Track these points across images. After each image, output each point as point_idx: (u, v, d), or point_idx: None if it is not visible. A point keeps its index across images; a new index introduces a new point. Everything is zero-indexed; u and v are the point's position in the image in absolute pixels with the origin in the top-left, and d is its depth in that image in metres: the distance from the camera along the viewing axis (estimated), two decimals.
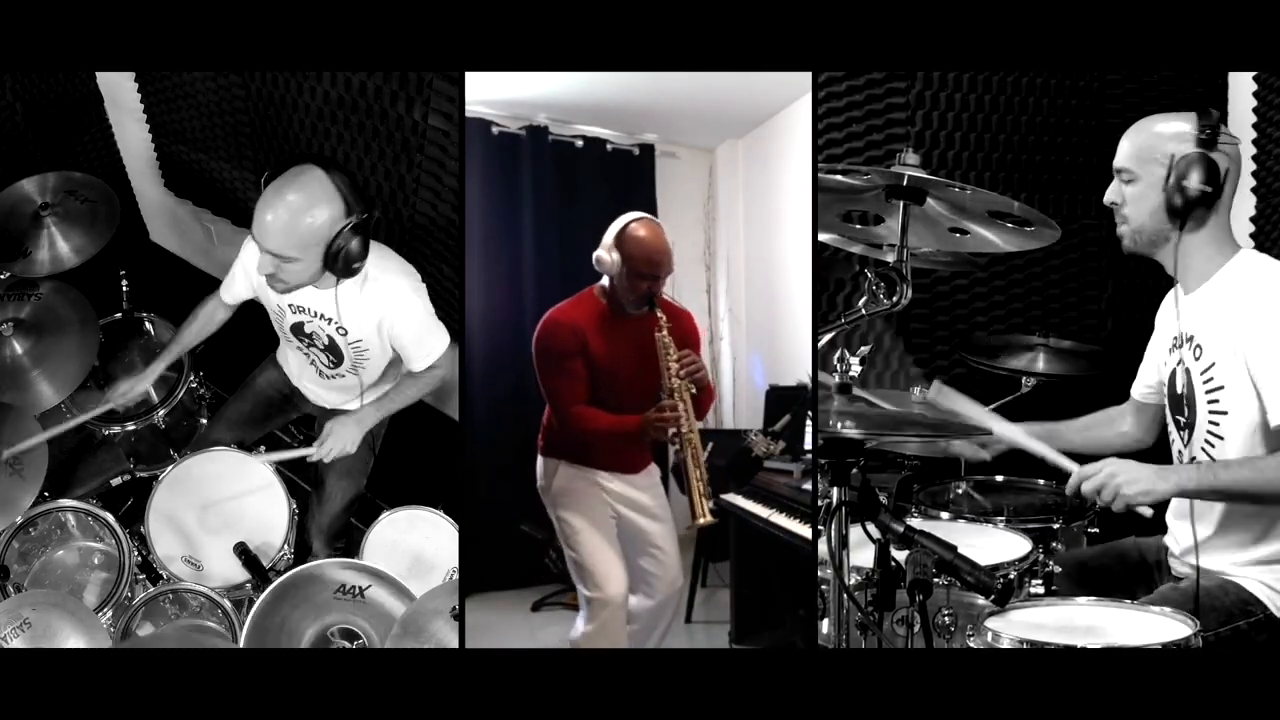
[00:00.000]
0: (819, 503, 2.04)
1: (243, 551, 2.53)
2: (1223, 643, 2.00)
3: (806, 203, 3.43)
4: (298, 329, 2.70)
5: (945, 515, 2.66)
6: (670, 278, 2.76)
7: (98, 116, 3.85)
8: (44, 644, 2.31)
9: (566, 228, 4.43)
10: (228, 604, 2.54)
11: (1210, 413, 2.06)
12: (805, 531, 2.95)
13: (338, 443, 2.64)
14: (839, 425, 1.82)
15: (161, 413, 3.05)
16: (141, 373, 2.87)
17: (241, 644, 2.30)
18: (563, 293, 2.85)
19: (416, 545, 2.71)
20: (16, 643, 2.30)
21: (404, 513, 2.74)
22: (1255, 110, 2.89)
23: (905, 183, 1.94)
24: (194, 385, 3.14)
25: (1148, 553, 2.29)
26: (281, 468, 2.77)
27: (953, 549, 1.76)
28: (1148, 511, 2.00)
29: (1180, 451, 2.17)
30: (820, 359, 1.99)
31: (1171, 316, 2.17)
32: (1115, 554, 2.34)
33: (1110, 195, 2.13)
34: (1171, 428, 2.20)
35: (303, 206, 2.36)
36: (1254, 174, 2.86)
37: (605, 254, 2.69)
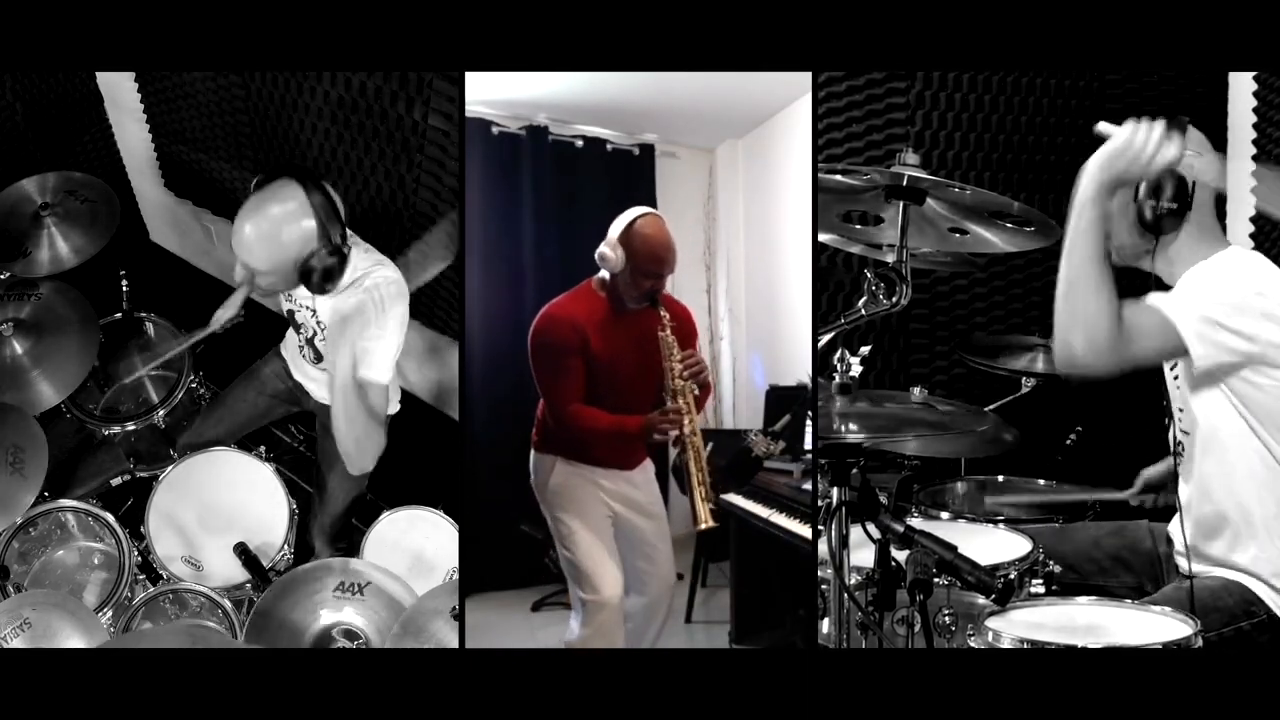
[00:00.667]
0: (819, 503, 2.04)
1: (243, 551, 2.53)
2: (1225, 643, 2.00)
3: (806, 203, 3.43)
4: (290, 316, 2.70)
5: (945, 515, 2.66)
6: (669, 276, 2.75)
7: (98, 116, 3.85)
8: (44, 644, 2.31)
9: (566, 228, 4.43)
10: (228, 604, 2.54)
11: (1175, 389, 2.09)
12: (805, 531, 2.94)
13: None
14: (842, 428, 1.82)
15: (161, 413, 3.05)
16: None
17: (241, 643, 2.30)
18: (563, 293, 2.83)
19: (416, 545, 2.71)
20: (16, 643, 2.30)
21: (404, 513, 2.74)
22: (1255, 110, 2.89)
23: (905, 183, 1.94)
24: (194, 385, 3.14)
25: (1159, 541, 2.29)
26: (282, 468, 2.77)
27: (953, 549, 1.76)
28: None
29: (1176, 445, 2.18)
30: (820, 359, 1.99)
31: None
32: (1129, 540, 2.33)
33: None
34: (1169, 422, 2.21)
35: (274, 228, 2.35)
36: (1254, 174, 2.86)
37: (609, 250, 2.64)
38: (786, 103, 4.27)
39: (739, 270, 4.86)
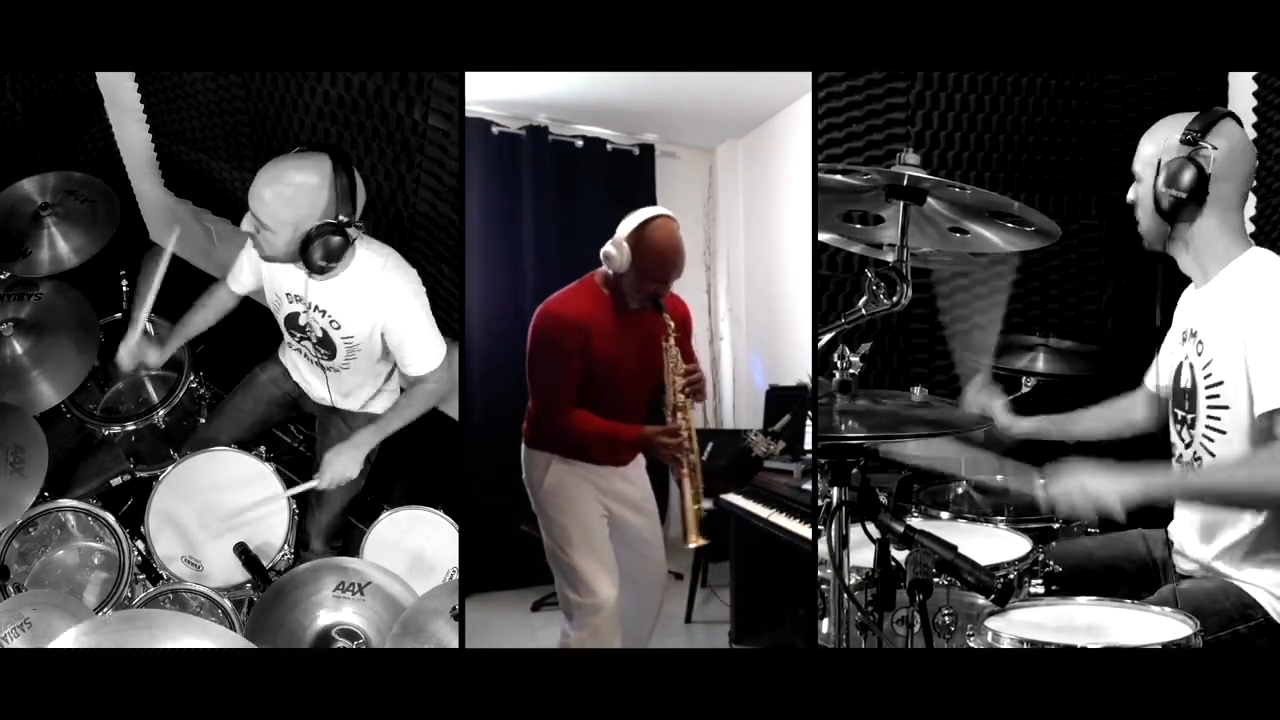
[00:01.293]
0: (819, 503, 2.04)
1: (243, 551, 2.53)
2: (1222, 646, 2.00)
3: (806, 203, 3.43)
4: (292, 320, 2.70)
5: (945, 515, 2.66)
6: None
7: (98, 116, 3.85)
8: (44, 644, 2.30)
9: (566, 228, 4.43)
10: (228, 604, 2.54)
11: (1209, 407, 2.07)
12: (805, 531, 2.94)
13: (338, 471, 2.64)
14: (842, 426, 1.81)
15: (161, 413, 3.05)
16: (156, 344, 2.89)
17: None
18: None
19: (416, 545, 2.71)
20: (16, 643, 2.29)
21: (404, 513, 2.74)
22: (1255, 110, 2.89)
23: (905, 182, 1.94)
24: (194, 385, 3.14)
25: (1155, 547, 2.29)
26: (282, 468, 2.78)
27: (953, 549, 1.76)
28: (1121, 517, 2.01)
29: (1182, 446, 2.17)
30: (820, 359, 1.99)
31: (1181, 310, 2.21)
32: (1123, 548, 2.33)
33: (1130, 195, 2.18)
34: (1173, 422, 2.20)
35: (296, 184, 2.43)
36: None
37: (614, 250, 2.53)
38: (786, 103, 4.27)
39: (739, 270, 4.87)
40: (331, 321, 2.63)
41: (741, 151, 4.85)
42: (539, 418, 2.72)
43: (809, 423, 3.46)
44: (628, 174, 4.59)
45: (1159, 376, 2.31)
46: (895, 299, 1.91)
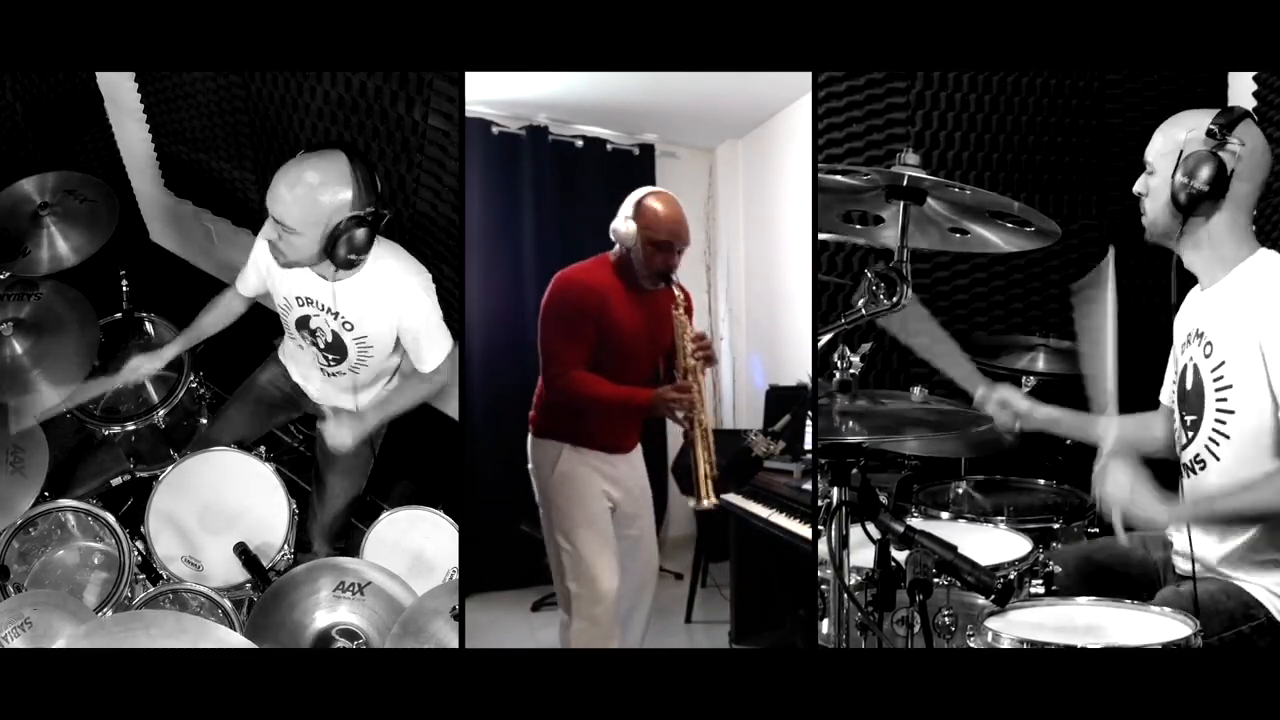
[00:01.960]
0: (819, 503, 2.04)
1: (243, 551, 2.53)
2: (1225, 646, 1.99)
3: (806, 203, 3.43)
4: (303, 322, 2.70)
5: (945, 515, 2.66)
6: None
7: (98, 116, 3.85)
8: (44, 644, 2.30)
9: (566, 228, 4.43)
10: (228, 604, 2.54)
11: (1218, 411, 2.06)
12: (805, 531, 2.94)
13: (335, 438, 2.64)
14: (842, 426, 1.82)
15: (161, 413, 3.05)
16: (156, 351, 2.89)
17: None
18: None
19: (416, 545, 2.71)
20: (16, 643, 2.29)
21: (404, 513, 2.74)
22: (1255, 110, 2.88)
23: (905, 183, 1.94)
24: (194, 385, 3.14)
25: (1153, 548, 2.29)
26: (281, 468, 2.77)
27: (953, 549, 1.76)
28: (1123, 539, 2.02)
29: (1184, 446, 2.17)
30: (820, 359, 1.99)
31: (1186, 311, 2.18)
32: (1122, 550, 2.33)
33: (1137, 186, 2.15)
34: (1178, 425, 2.20)
35: (317, 184, 2.41)
36: None
37: (622, 224, 2.65)
38: (786, 103, 4.27)
39: (739, 270, 4.87)
40: (345, 324, 2.62)
41: (741, 151, 4.85)
42: (545, 387, 2.73)
43: (809, 423, 3.46)
44: (628, 174, 4.59)
45: (1168, 388, 2.31)
46: (895, 299, 1.91)
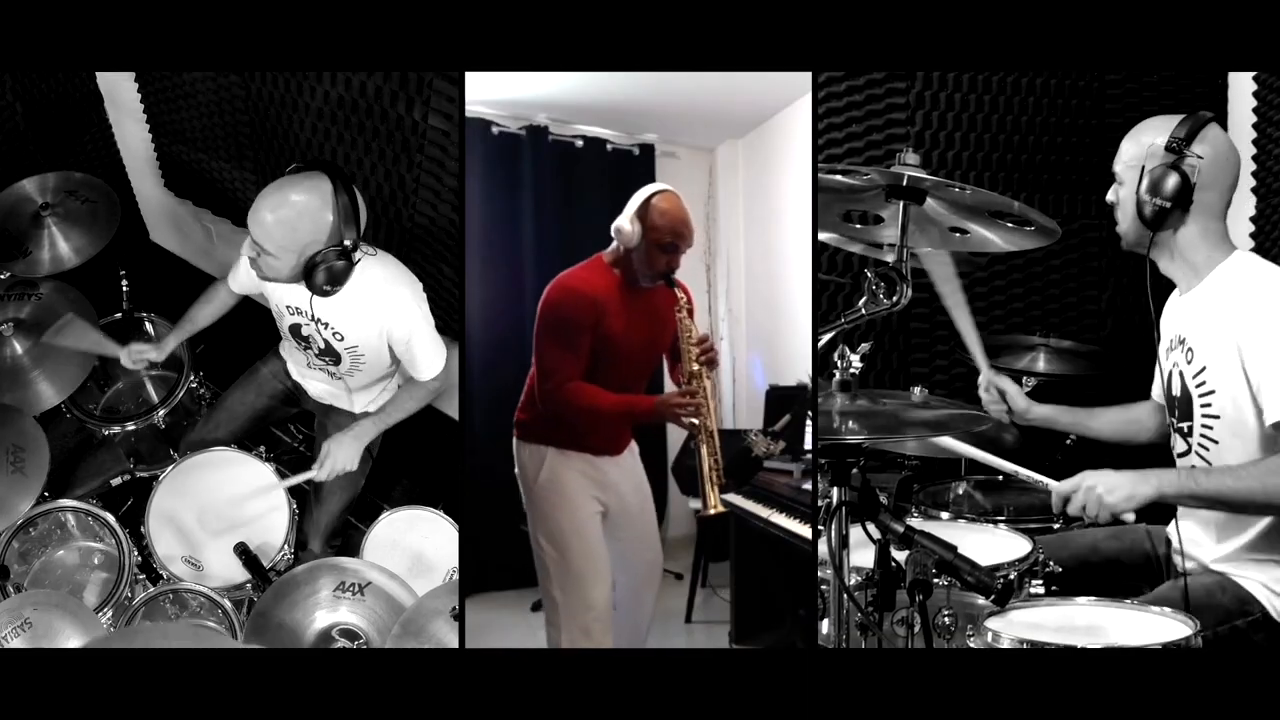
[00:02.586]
0: (819, 503, 2.04)
1: (243, 551, 2.53)
2: (1220, 641, 2.00)
3: (806, 203, 3.42)
4: (295, 330, 2.70)
5: (945, 515, 2.66)
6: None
7: (98, 116, 3.85)
8: (44, 644, 2.30)
9: (566, 228, 4.43)
10: (228, 604, 2.54)
11: (1204, 416, 2.06)
12: (805, 531, 2.94)
13: (337, 461, 2.65)
14: (842, 426, 1.81)
15: (161, 413, 3.05)
16: (158, 341, 2.91)
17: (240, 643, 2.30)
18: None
19: (416, 545, 2.71)
20: (16, 643, 2.29)
21: (404, 513, 2.74)
22: (1255, 110, 2.89)
23: (905, 183, 1.94)
24: (194, 385, 3.14)
25: (1158, 543, 2.29)
26: (281, 468, 2.77)
27: (953, 549, 1.76)
28: (1131, 516, 2.01)
29: (1181, 454, 2.17)
30: (820, 359, 1.99)
31: (1167, 316, 2.18)
32: (1129, 542, 2.33)
33: (1110, 195, 2.16)
34: (1173, 434, 2.20)
35: (294, 212, 2.40)
36: (1254, 174, 2.86)
37: (626, 224, 2.56)
38: (786, 103, 4.27)
39: (739, 270, 4.86)
40: (335, 334, 2.63)
41: (741, 151, 4.85)
42: (536, 399, 2.64)
43: (809, 423, 3.46)
44: (628, 174, 4.59)
45: (1159, 385, 2.31)
46: (895, 299, 1.91)
